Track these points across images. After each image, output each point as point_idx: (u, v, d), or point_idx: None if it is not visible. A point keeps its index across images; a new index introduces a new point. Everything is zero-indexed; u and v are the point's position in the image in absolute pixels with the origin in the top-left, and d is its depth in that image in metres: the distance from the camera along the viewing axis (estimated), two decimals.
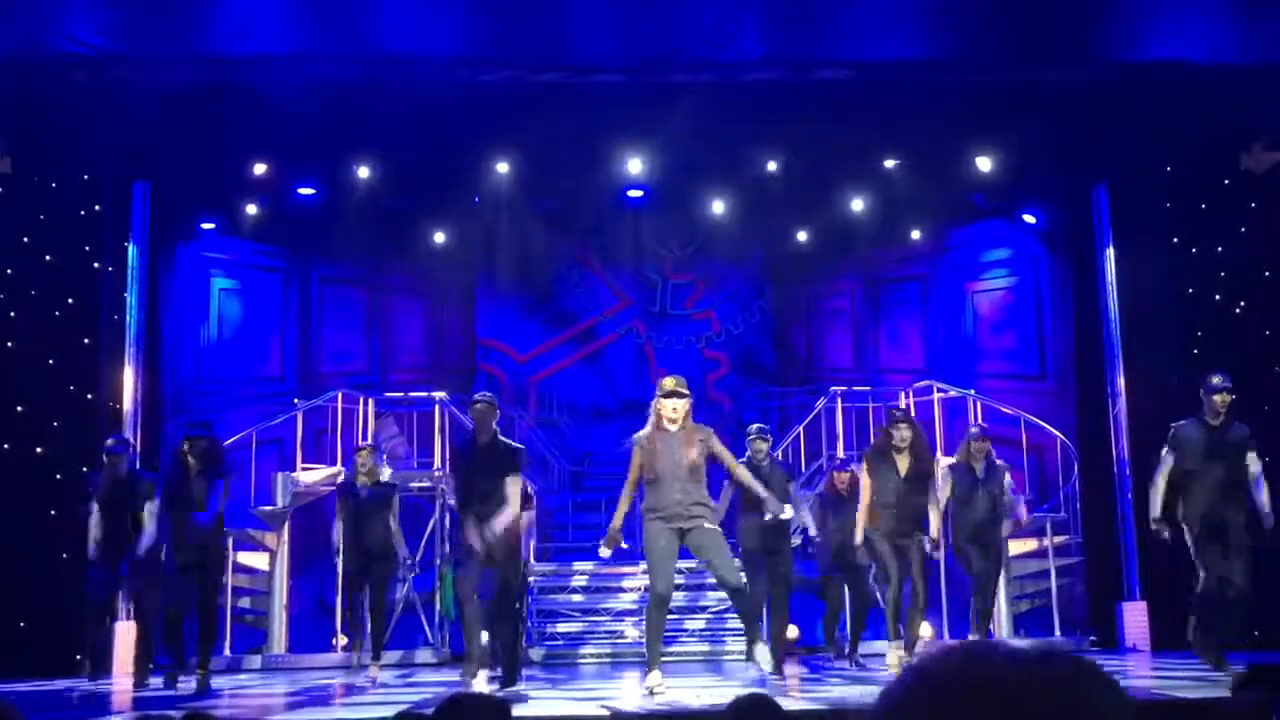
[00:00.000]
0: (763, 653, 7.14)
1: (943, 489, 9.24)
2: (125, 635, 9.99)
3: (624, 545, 7.67)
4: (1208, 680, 7.08)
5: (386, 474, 10.20)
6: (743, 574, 7.85)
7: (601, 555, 7.44)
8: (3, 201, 10.49)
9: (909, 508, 8.27)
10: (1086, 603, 12.04)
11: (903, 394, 12.98)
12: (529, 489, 8.25)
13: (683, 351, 15.87)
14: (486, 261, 15.16)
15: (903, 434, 8.30)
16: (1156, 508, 8.17)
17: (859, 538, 8.44)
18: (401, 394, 13.69)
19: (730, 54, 10.28)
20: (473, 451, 7.69)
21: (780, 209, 13.99)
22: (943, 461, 11.51)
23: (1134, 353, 11.64)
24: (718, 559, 7.08)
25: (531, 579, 12.20)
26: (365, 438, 12.53)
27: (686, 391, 7.22)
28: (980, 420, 12.48)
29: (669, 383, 7.26)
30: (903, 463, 8.30)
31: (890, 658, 8.18)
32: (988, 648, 1.06)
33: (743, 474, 7.73)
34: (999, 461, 9.73)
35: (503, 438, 7.81)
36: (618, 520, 7.25)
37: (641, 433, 7.27)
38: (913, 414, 8.84)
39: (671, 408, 7.11)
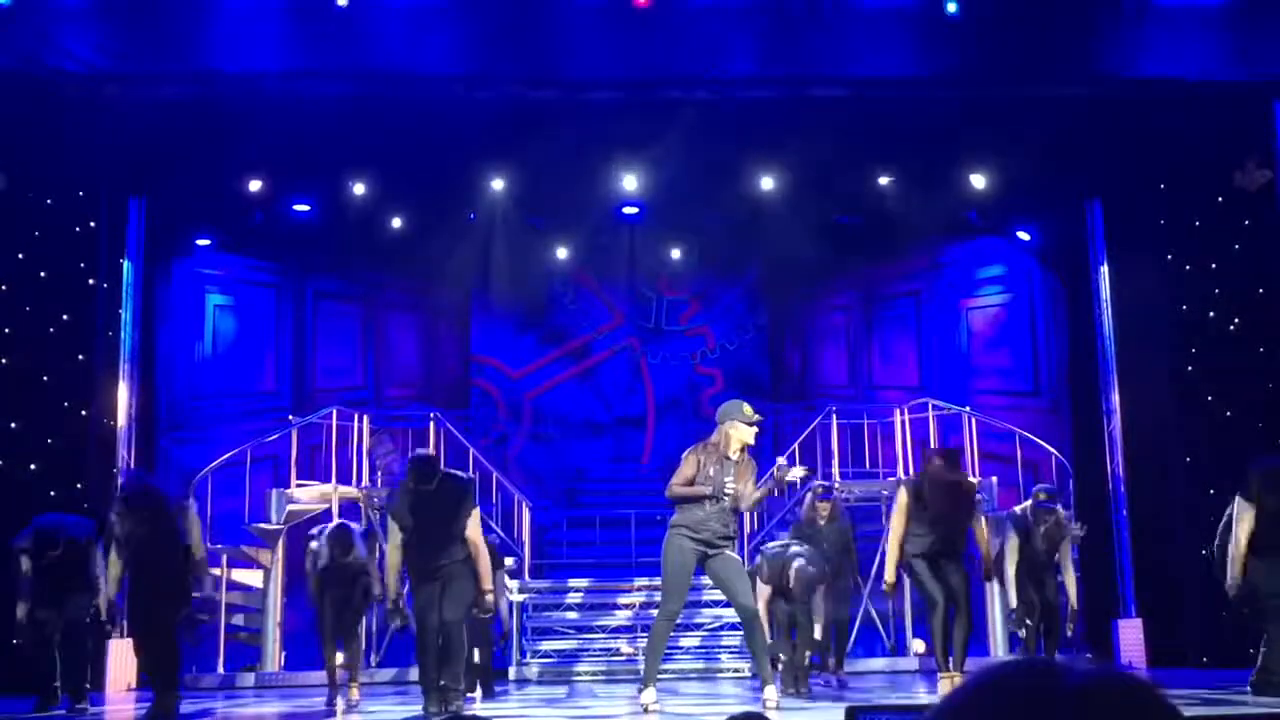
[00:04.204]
0: (771, 694, 7.07)
1: (1008, 556, 9.00)
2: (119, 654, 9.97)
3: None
4: (1204, 700, 7.08)
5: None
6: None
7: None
8: None
9: (949, 532, 7.90)
10: (1082, 620, 12.03)
11: (898, 410, 12.99)
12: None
13: (677, 368, 15.89)
14: (481, 278, 15.17)
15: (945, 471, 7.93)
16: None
17: (890, 574, 8.07)
18: (396, 410, 13.68)
19: (725, 71, 10.31)
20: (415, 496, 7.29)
21: (775, 225, 14.01)
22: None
23: (1128, 369, 11.65)
24: (736, 586, 7.04)
25: (525, 596, 12.18)
26: (360, 454, 12.52)
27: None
28: (974, 439, 12.51)
29: (753, 412, 7.15)
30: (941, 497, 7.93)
31: (944, 688, 7.92)
32: (1046, 664, 1.07)
33: (755, 495, 7.59)
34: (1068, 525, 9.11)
35: (452, 473, 7.52)
36: (708, 489, 7.01)
37: (699, 446, 7.16)
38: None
39: (754, 436, 7.11)
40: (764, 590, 8.35)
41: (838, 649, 9.98)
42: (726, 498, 6.99)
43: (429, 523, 7.21)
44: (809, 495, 10.02)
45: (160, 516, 7.44)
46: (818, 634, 9.02)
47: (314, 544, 8.74)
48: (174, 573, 7.48)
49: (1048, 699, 1.02)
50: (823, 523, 9.59)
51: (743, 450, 7.08)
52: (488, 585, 7.34)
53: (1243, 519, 7.28)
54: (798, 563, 8.36)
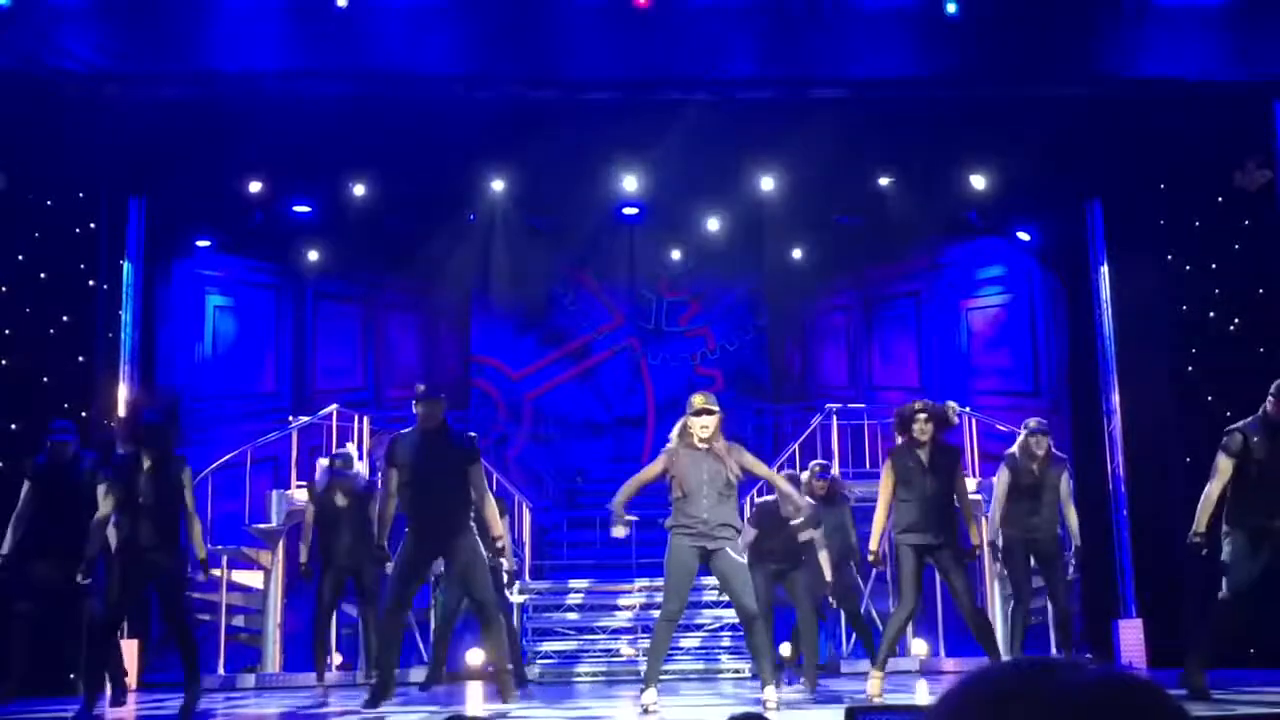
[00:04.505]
0: (771, 694, 7.07)
1: (998, 487, 9.01)
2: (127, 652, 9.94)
3: (629, 521, 7.25)
4: (1204, 699, 7.06)
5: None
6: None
7: (615, 535, 7.22)
8: None
9: (934, 497, 7.93)
10: (1082, 620, 12.02)
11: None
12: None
13: (677, 369, 15.89)
14: (481, 278, 15.18)
15: (922, 428, 7.98)
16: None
17: (875, 538, 8.20)
18: (396, 411, 13.67)
19: (725, 71, 10.31)
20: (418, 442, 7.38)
21: (775, 226, 14.02)
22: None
23: (1128, 370, 11.64)
24: (737, 587, 7.03)
25: (525, 597, 12.18)
26: (360, 455, 12.50)
27: (716, 408, 7.15)
28: (975, 432, 12.51)
29: (698, 400, 7.19)
30: (923, 451, 7.97)
31: (872, 686, 7.95)
32: (1044, 664, 1.06)
33: (779, 480, 7.69)
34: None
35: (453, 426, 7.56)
36: (619, 498, 7.21)
37: (671, 445, 7.21)
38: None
39: (701, 425, 7.05)
40: (749, 533, 8.30)
41: (865, 646, 10.02)
42: (707, 488, 6.98)
43: (429, 470, 7.26)
44: (806, 474, 10.01)
45: (167, 460, 7.45)
46: (827, 574, 9.06)
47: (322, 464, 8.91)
48: (171, 523, 7.46)
49: (1044, 699, 1.01)
50: (821, 500, 9.63)
51: (707, 440, 7.05)
52: (498, 531, 7.44)
53: (1219, 472, 7.19)
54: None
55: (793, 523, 7.97)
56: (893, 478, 8.02)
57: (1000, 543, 8.93)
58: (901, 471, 7.98)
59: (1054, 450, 9.14)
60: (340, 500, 9.04)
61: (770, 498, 8.77)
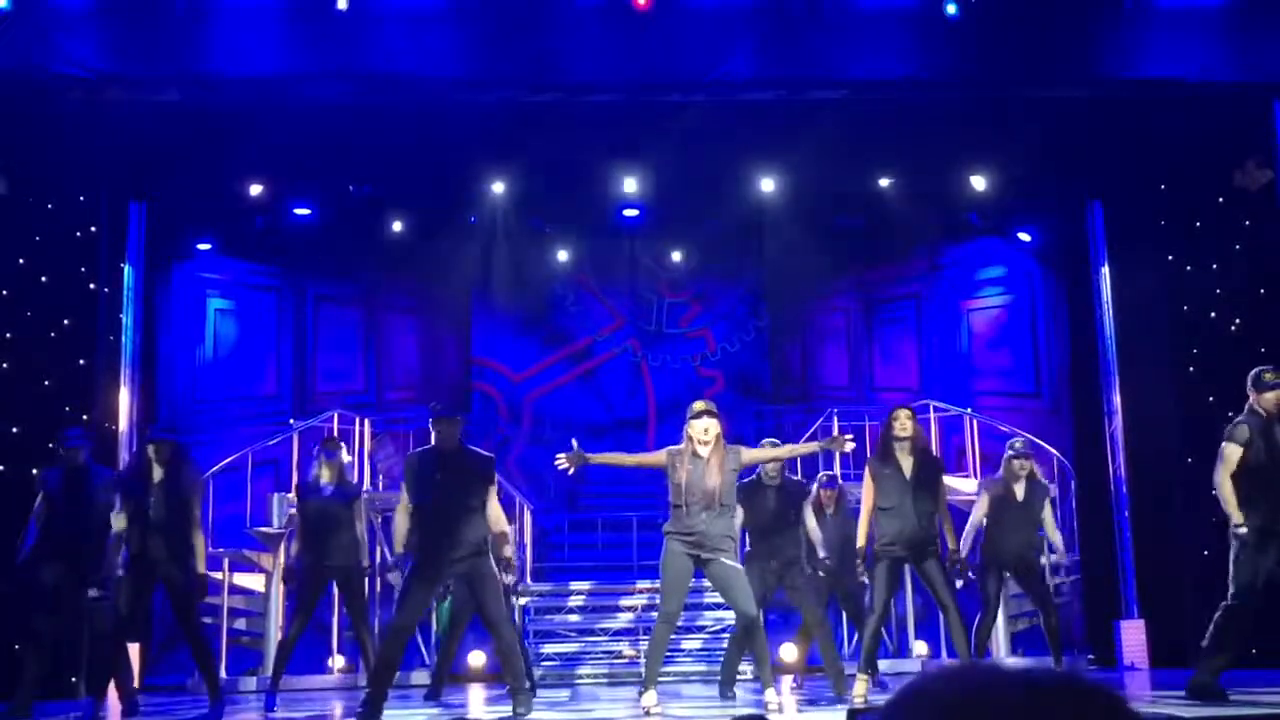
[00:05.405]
0: (772, 697, 7.07)
1: (977, 507, 9.03)
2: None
3: (577, 460, 7.08)
4: (1220, 701, 7.04)
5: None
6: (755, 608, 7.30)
7: (558, 462, 7.10)
8: None
9: (917, 513, 7.83)
10: (1084, 621, 12.04)
11: None
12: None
13: (678, 370, 15.89)
14: (482, 280, 15.19)
15: (903, 424, 7.89)
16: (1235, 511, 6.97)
17: (861, 540, 8.18)
18: (397, 414, 13.68)
19: (725, 73, 10.31)
20: (435, 461, 7.23)
21: (775, 228, 14.03)
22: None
23: (1129, 370, 11.66)
24: (736, 594, 7.04)
25: (527, 599, 12.18)
26: (362, 457, 12.51)
27: (716, 412, 7.16)
28: (977, 436, 12.52)
29: (699, 405, 7.19)
30: (906, 461, 7.91)
31: (858, 688, 7.91)
32: (988, 668, 1.05)
33: (788, 449, 7.96)
34: (1043, 481, 9.36)
35: (471, 447, 7.43)
36: (600, 456, 7.29)
37: (677, 447, 7.17)
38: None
39: (702, 428, 7.00)
40: (739, 512, 8.30)
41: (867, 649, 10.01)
42: (706, 503, 6.94)
43: (445, 489, 7.12)
44: (814, 486, 10.00)
45: (181, 480, 7.45)
46: (820, 550, 9.09)
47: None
48: (182, 536, 7.45)
49: (987, 703, 1.00)
50: (829, 513, 9.59)
51: (707, 444, 7.02)
52: (508, 554, 7.44)
53: (1227, 461, 7.06)
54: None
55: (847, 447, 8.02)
56: (873, 487, 7.95)
57: (978, 560, 8.97)
58: (880, 481, 7.88)
59: (1038, 475, 9.16)
60: (325, 475, 8.78)
61: (751, 479, 8.77)
